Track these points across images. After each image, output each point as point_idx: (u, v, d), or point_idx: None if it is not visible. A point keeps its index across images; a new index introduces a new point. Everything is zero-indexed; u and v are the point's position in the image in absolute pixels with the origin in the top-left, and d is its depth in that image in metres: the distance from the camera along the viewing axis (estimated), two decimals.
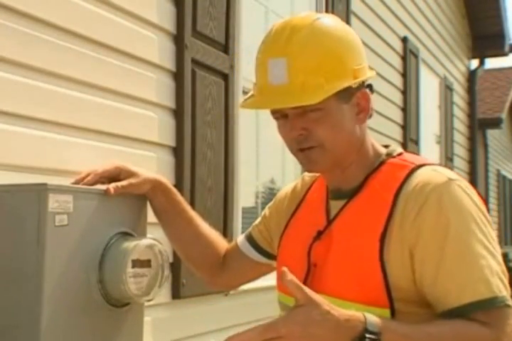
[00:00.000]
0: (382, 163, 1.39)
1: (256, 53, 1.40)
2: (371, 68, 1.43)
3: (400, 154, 1.41)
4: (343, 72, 1.32)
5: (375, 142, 1.44)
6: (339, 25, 1.39)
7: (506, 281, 1.26)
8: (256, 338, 1.12)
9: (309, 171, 1.43)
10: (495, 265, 1.24)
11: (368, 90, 1.39)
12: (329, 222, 1.40)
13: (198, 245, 1.66)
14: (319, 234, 1.39)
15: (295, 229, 1.50)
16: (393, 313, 1.26)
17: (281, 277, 1.17)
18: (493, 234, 1.29)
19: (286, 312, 1.18)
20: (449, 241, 1.25)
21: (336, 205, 1.40)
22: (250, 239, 1.66)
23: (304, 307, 1.15)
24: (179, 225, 1.64)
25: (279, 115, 1.37)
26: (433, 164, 1.36)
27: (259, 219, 1.67)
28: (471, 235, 1.25)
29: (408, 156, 1.40)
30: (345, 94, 1.33)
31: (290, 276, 1.17)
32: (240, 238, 1.69)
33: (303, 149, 1.36)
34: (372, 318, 1.17)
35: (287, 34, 1.34)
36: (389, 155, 1.40)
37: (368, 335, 1.15)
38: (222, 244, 1.71)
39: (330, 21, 1.38)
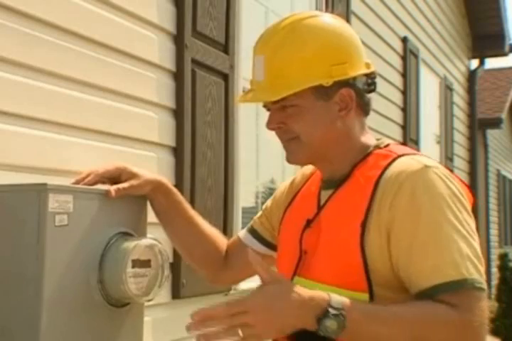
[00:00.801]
0: (369, 154, 1.42)
1: None
2: (368, 67, 1.44)
3: (387, 145, 1.44)
4: (314, 72, 1.36)
5: (370, 135, 1.47)
6: (326, 24, 1.42)
7: (480, 264, 1.27)
8: (223, 312, 1.17)
9: (290, 162, 1.47)
10: (465, 248, 1.26)
11: (360, 87, 1.41)
12: (318, 210, 1.43)
13: (200, 243, 1.68)
14: (309, 222, 1.43)
15: (290, 218, 1.54)
16: (372, 298, 1.28)
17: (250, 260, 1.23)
18: (469, 219, 1.30)
19: (254, 289, 1.22)
20: (421, 224, 1.27)
21: (325, 195, 1.45)
22: (253, 232, 1.68)
23: (269, 284, 1.21)
24: (180, 225, 1.65)
25: (267, 109, 1.44)
26: (416, 154, 1.39)
27: (260, 212, 1.70)
28: (443, 219, 1.27)
29: (394, 147, 1.43)
30: (324, 91, 1.38)
31: (253, 255, 1.23)
32: (242, 232, 1.72)
33: (284, 141, 1.43)
34: (337, 297, 1.22)
35: (272, 32, 1.42)
36: (377, 146, 1.44)
37: (331, 310, 1.18)
38: (223, 241, 1.73)
39: (317, 20, 1.42)
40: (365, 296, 1.28)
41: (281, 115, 1.40)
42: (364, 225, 1.31)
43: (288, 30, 1.40)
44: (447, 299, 1.23)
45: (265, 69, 1.39)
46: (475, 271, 1.25)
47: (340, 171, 1.42)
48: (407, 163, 1.34)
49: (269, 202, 1.68)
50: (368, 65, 1.45)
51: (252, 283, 1.81)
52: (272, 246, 1.64)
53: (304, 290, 1.22)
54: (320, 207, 1.44)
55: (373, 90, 1.45)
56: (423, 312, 1.24)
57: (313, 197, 1.48)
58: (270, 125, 1.42)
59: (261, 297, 1.20)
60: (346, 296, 1.23)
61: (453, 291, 1.24)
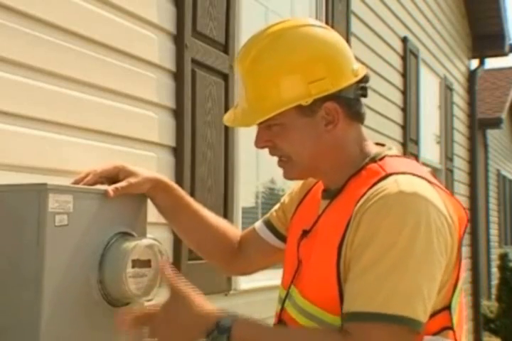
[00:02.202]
0: (363, 167, 1.37)
1: None
2: (355, 75, 1.37)
3: (382, 158, 1.38)
4: (291, 92, 1.32)
5: (368, 143, 1.42)
6: (301, 38, 1.36)
7: (417, 302, 1.19)
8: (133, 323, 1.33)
9: (285, 178, 1.45)
10: (403, 282, 1.19)
11: (350, 96, 1.36)
12: (315, 220, 1.41)
13: (209, 236, 1.68)
14: (305, 232, 1.42)
15: (296, 221, 1.53)
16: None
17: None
18: (431, 250, 1.22)
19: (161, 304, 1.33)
20: (368, 250, 1.22)
21: (323, 204, 1.42)
22: (268, 224, 1.67)
23: (172, 301, 1.31)
24: (186, 219, 1.65)
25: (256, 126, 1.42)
26: (404, 173, 1.31)
27: (277, 205, 1.69)
28: (393, 247, 1.20)
29: (388, 162, 1.37)
30: (307, 108, 1.33)
31: (166, 271, 1.33)
32: (257, 223, 1.71)
33: (277, 157, 1.42)
34: (228, 316, 1.26)
35: (248, 48, 1.38)
36: (372, 159, 1.38)
37: (217, 329, 1.24)
38: (232, 231, 1.73)
39: (291, 34, 1.36)
40: (338, 319, 1.25)
41: (268, 133, 1.38)
42: (341, 247, 1.28)
43: (261, 47, 1.36)
44: (350, 329, 1.20)
45: (244, 90, 1.37)
46: (400, 308, 1.18)
47: (336, 183, 1.39)
48: (387, 185, 1.27)
49: (286, 198, 1.66)
50: (355, 73, 1.37)
51: (253, 282, 1.81)
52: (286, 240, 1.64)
53: (197, 308, 1.28)
54: (318, 217, 1.41)
55: (365, 95, 1.40)
56: (309, 339, 1.24)
57: (315, 205, 1.46)
58: (258, 143, 1.40)
59: (162, 312, 1.30)
60: (322, 316, 1.26)
61: (358, 322, 1.19)
